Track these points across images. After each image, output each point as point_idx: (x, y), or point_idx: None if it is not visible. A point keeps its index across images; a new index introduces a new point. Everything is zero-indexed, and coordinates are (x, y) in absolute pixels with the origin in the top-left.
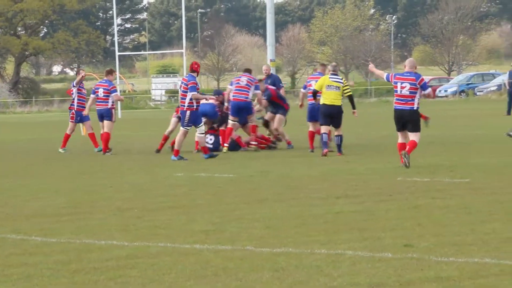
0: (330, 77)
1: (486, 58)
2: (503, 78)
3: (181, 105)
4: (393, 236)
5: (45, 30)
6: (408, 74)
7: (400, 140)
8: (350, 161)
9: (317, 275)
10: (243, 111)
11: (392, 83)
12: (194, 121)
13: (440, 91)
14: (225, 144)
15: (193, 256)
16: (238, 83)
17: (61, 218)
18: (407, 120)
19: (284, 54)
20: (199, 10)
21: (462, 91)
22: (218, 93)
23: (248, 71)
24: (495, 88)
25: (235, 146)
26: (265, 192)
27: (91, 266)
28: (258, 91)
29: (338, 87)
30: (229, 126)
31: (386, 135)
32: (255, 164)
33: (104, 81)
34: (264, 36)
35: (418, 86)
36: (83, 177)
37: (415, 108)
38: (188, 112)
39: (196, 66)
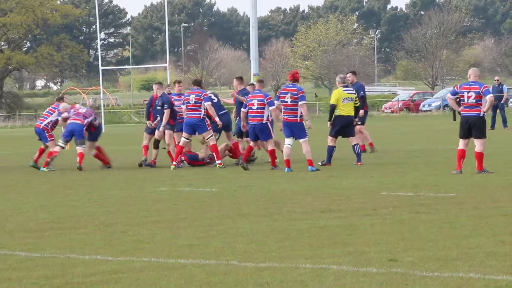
0: (344, 90)
1: None
2: None
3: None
4: (377, 251)
5: (28, 45)
6: (473, 83)
7: (460, 146)
8: (333, 176)
9: None
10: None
11: (459, 93)
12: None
13: (423, 105)
14: (174, 163)
15: (177, 271)
16: (188, 102)
17: (44, 233)
18: (472, 126)
19: (267, 68)
20: (183, 24)
21: (446, 105)
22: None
23: (196, 83)
24: None
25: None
26: (248, 207)
27: (75, 281)
28: (207, 103)
29: (352, 98)
30: (180, 144)
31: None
32: (238, 179)
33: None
34: (247, 50)
35: (482, 93)
36: (67, 192)
37: (481, 115)
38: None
39: (297, 75)
